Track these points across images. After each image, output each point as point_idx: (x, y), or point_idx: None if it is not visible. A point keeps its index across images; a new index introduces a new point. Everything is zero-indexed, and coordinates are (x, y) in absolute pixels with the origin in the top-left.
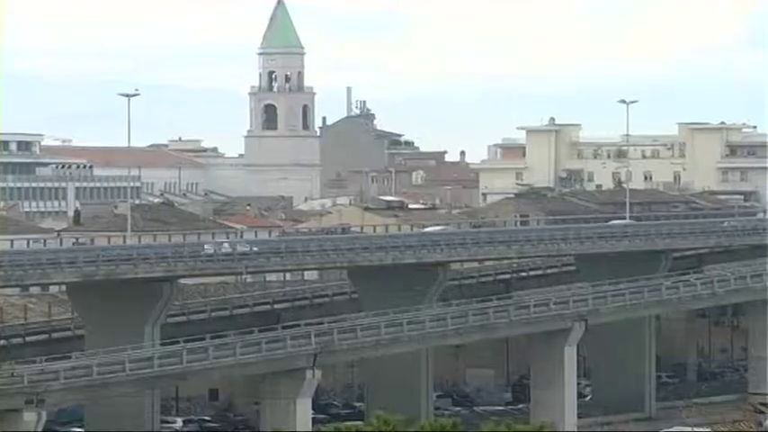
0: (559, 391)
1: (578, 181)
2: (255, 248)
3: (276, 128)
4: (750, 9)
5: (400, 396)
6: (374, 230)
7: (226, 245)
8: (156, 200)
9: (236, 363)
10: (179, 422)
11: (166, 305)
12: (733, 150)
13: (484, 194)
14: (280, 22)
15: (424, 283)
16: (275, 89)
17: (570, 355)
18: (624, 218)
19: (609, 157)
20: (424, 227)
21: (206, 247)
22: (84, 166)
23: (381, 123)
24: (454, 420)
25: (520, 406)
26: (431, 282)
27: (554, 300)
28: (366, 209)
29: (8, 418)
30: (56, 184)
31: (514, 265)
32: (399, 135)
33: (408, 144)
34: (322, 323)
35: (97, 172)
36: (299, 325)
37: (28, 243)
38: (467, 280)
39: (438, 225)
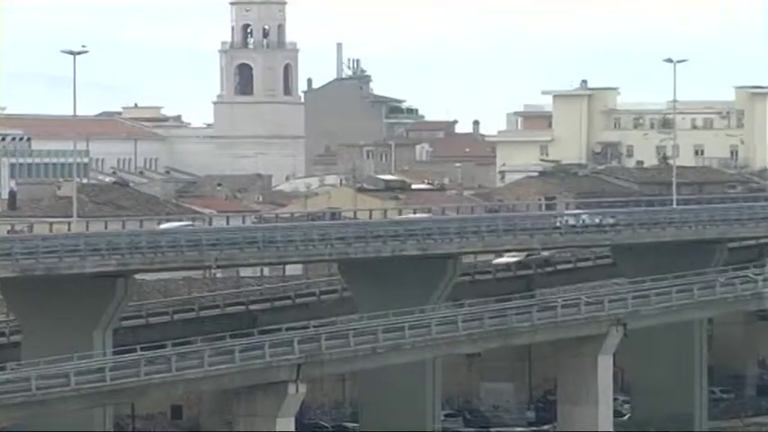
0: (592, 408)
1: (615, 156)
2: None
3: (251, 92)
4: None
5: (401, 415)
6: (370, 216)
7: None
8: (108, 179)
9: (204, 375)
10: None
11: (120, 305)
12: None
13: (501, 172)
14: None
15: (430, 280)
16: (251, 45)
17: (605, 365)
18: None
19: (652, 127)
20: (429, 212)
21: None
22: (21, 139)
23: (378, 87)
24: None
25: (545, 427)
26: (438, 278)
27: (586, 300)
28: (360, 190)
29: None
30: None
31: (538, 257)
32: (400, 101)
33: (411, 112)
34: (307, 327)
35: (36, 146)
36: (279, 329)
37: None
38: (481, 275)
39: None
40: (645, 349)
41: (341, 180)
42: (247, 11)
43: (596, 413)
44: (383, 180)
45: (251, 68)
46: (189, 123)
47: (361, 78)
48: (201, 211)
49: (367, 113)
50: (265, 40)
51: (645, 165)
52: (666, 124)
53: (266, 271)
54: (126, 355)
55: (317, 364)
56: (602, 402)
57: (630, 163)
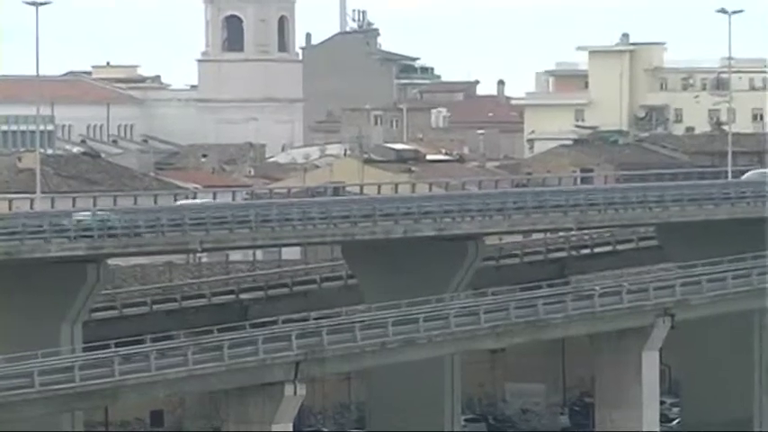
0: (635, 412)
1: (661, 122)
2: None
3: (242, 49)
4: None
5: (415, 420)
6: (378, 191)
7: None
8: (76, 149)
9: (187, 374)
10: None
11: (91, 295)
12: None
13: (530, 141)
14: None
15: (448, 265)
16: None
17: (650, 362)
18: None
19: (704, 88)
20: (447, 186)
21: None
22: None
23: (388, 42)
24: None
25: None
26: (458, 262)
27: (628, 287)
28: (367, 161)
29: None
30: None
31: (573, 238)
32: (413, 58)
33: (425, 71)
34: (306, 320)
35: None
36: (274, 322)
37: None
38: (507, 259)
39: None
40: (696, 344)
41: (345, 150)
42: None
43: (640, 418)
44: (394, 150)
45: (241, 21)
46: (169, 85)
47: (367, 33)
48: (184, 186)
49: (375, 73)
50: None
51: (695, 131)
52: (720, 85)
53: (259, 255)
54: (98, 352)
55: (317, 362)
56: (646, 405)
57: (679, 130)
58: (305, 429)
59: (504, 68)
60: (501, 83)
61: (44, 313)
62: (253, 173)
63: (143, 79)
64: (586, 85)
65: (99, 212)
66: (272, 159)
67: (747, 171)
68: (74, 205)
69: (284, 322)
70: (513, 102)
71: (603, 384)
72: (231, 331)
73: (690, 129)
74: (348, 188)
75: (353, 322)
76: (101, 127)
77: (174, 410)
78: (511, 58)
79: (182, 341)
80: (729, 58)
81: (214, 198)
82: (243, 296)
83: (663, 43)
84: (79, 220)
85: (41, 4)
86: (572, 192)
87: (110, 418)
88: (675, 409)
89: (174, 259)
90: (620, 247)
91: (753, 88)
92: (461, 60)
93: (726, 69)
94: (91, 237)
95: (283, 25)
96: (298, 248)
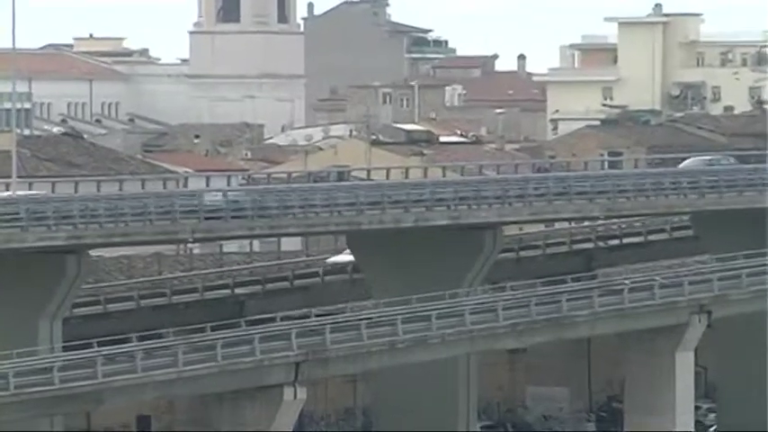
0: (668, 418)
1: (698, 101)
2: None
3: (238, 20)
4: None
5: (425, 427)
6: (387, 176)
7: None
8: (57, 129)
9: (177, 376)
10: None
11: (72, 289)
12: None
13: (554, 121)
14: None
15: (463, 257)
16: None
17: (685, 364)
18: None
19: (744, 64)
20: (463, 171)
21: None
22: None
23: (398, 13)
24: None
25: None
26: (474, 254)
27: (660, 281)
28: (375, 143)
29: None
30: None
31: (600, 228)
32: (425, 30)
33: (439, 44)
34: (308, 317)
35: None
36: (273, 319)
37: None
38: (528, 251)
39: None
40: (735, 344)
41: (350, 131)
42: None
43: (674, 424)
44: (404, 131)
45: None
46: (158, 59)
47: (375, 2)
48: (174, 170)
49: (383, 46)
50: None
51: (735, 111)
52: (762, 60)
53: (256, 246)
54: (79, 352)
55: (320, 363)
56: (680, 411)
57: (717, 109)
58: None
59: (526, 42)
60: (522, 57)
61: (20, 309)
62: (250, 156)
63: (129, 53)
64: (615, 60)
65: (230, 193)
66: (270, 141)
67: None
68: (53, 190)
69: (283, 319)
70: (535, 78)
71: (633, 388)
72: (225, 329)
73: (728, 108)
74: (354, 173)
75: (359, 320)
76: (83, 105)
77: (163, 415)
78: (533, 31)
79: (171, 340)
80: None
81: (207, 184)
82: (238, 291)
83: (699, 14)
84: (210, 202)
85: None
86: (599, 177)
87: (92, 423)
88: (712, 416)
89: (163, 250)
90: (651, 238)
91: None
92: (478, 33)
93: None
94: (73, 225)
95: None
96: (298, 239)
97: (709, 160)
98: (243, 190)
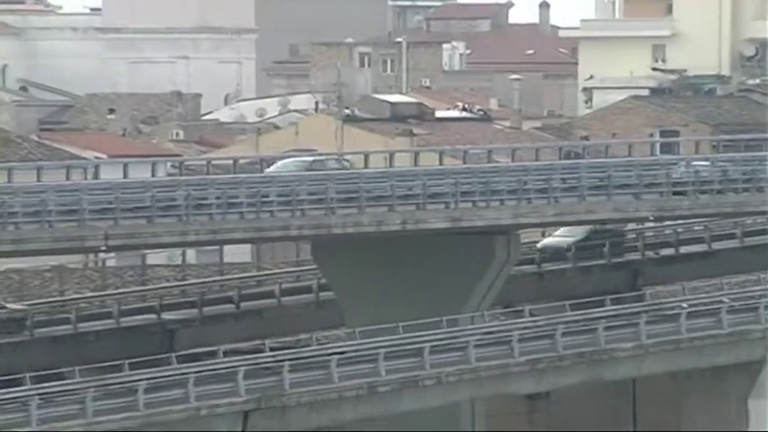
0: None
1: None
2: None
3: None
4: None
5: None
6: (365, 163)
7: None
8: None
9: (85, 429)
10: None
11: None
12: None
13: (587, 90)
14: None
15: (466, 271)
16: None
17: (760, 413)
18: None
19: None
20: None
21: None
22: None
23: None
24: None
25: None
26: (481, 267)
27: (729, 303)
28: (349, 119)
29: None
30: None
31: (649, 234)
32: None
33: None
34: (260, 351)
35: None
36: (213, 354)
37: None
38: (553, 264)
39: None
40: None
41: (317, 103)
42: None
43: None
44: (388, 103)
45: None
46: (59, 7)
47: None
48: (82, 156)
49: None
50: None
51: None
52: None
53: (191, 256)
54: None
55: (276, 412)
56: None
57: None
58: None
59: None
60: (545, 6)
61: None
62: (182, 136)
63: (21, 0)
64: (670, 10)
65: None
66: (210, 116)
67: None
68: None
69: (227, 355)
70: (563, 34)
71: None
72: (150, 368)
73: None
74: (322, 158)
75: (328, 355)
76: None
77: None
78: None
79: (77, 381)
80: None
81: (125, 174)
82: (167, 316)
83: None
84: None
85: None
86: (648, 165)
87: None
88: None
89: (66, 262)
90: (717, 246)
91: None
92: None
93: None
94: None
95: None
96: (248, 247)
97: (312, 162)
98: (173, 182)
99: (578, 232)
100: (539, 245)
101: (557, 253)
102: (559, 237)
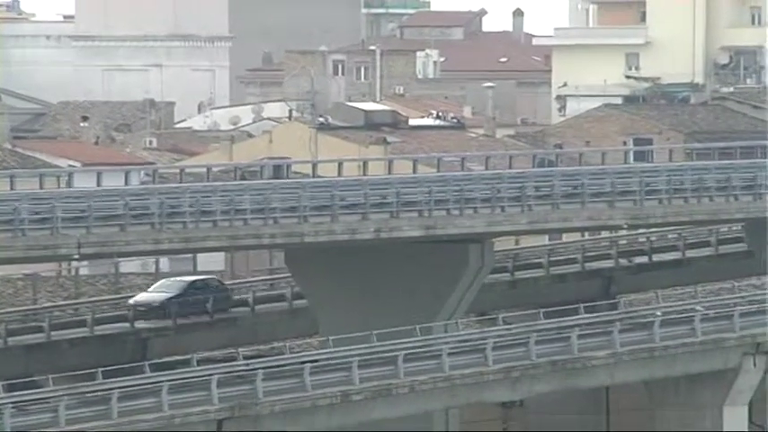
0: None
1: (753, 71)
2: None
3: None
4: None
5: None
6: (338, 171)
7: None
8: None
9: None
10: None
11: None
12: None
13: (561, 98)
14: None
15: (440, 279)
16: None
17: (736, 422)
18: None
19: None
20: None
21: None
22: None
23: None
24: None
25: None
26: (455, 275)
27: (703, 312)
28: (322, 127)
29: None
30: None
31: (622, 242)
32: None
33: None
34: (234, 359)
35: None
36: (187, 363)
37: None
38: (527, 272)
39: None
40: None
41: (290, 111)
42: None
43: None
44: (362, 111)
45: None
46: (32, 15)
47: None
48: (54, 164)
49: (334, 0)
50: None
51: None
52: None
53: (165, 264)
54: None
55: (249, 420)
56: None
57: None
58: None
59: None
60: (518, 14)
61: None
62: (155, 144)
63: None
64: (643, 18)
65: None
66: (183, 124)
67: None
68: None
69: (201, 363)
70: (536, 42)
71: None
72: (123, 376)
73: None
74: (295, 167)
75: (302, 363)
76: None
77: None
78: None
79: (51, 390)
80: None
81: (98, 182)
82: (141, 325)
83: None
84: None
85: None
86: (622, 173)
87: None
88: None
89: (40, 270)
90: (691, 254)
91: None
92: None
93: None
94: None
95: None
96: (221, 255)
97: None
98: (146, 190)
99: (174, 288)
100: (131, 301)
101: (151, 311)
102: (154, 292)
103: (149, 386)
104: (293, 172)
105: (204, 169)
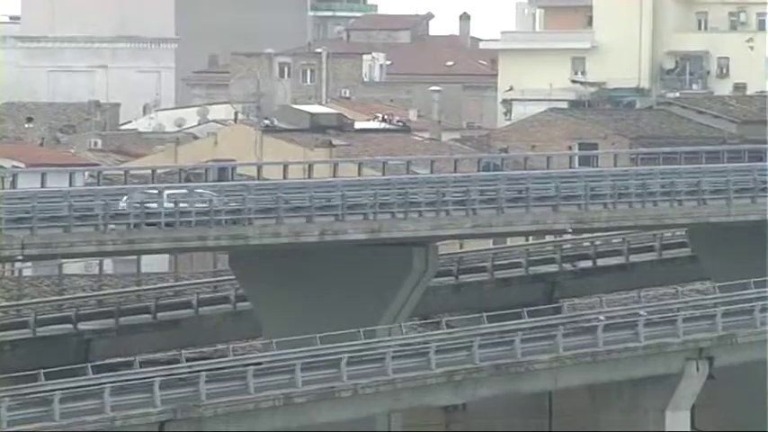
0: None
1: (699, 77)
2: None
3: None
4: None
5: None
6: (284, 174)
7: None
8: None
9: None
10: None
11: None
12: None
13: (506, 102)
14: None
15: (384, 283)
16: None
17: (678, 426)
18: None
19: (761, 28)
20: (384, 168)
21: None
22: None
23: None
24: None
25: None
26: (399, 279)
27: (646, 317)
28: (268, 129)
29: None
30: None
31: (566, 246)
32: None
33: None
34: (177, 361)
35: None
36: (129, 365)
37: None
38: (471, 275)
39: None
40: (745, 400)
41: (236, 113)
42: None
43: None
44: (308, 114)
45: None
46: None
47: None
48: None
49: (280, 1)
50: None
51: (747, 91)
52: None
53: (108, 266)
54: None
55: (192, 423)
56: None
57: (724, 88)
58: None
59: None
60: (465, 17)
61: None
62: (100, 145)
63: None
64: (590, 23)
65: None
66: (128, 126)
67: None
68: None
69: (143, 365)
70: (483, 45)
71: None
72: (65, 377)
73: (740, 86)
74: (240, 169)
75: (245, 365)
76: None
77: None
78: None
79: None
80: None
81: (42, 183)
82: (83, 326)
83: None
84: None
85: None
86: (567, 177)
87: None
88: None
89: None
90: (634, 259)
91: None
92: None
93: None
94: None
95: None
96: (165, 257)
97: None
98: (90, 191)
99: None
100: None
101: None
102: None
103: (92, 388)
104: (238, 174)
105: (149, 171)
